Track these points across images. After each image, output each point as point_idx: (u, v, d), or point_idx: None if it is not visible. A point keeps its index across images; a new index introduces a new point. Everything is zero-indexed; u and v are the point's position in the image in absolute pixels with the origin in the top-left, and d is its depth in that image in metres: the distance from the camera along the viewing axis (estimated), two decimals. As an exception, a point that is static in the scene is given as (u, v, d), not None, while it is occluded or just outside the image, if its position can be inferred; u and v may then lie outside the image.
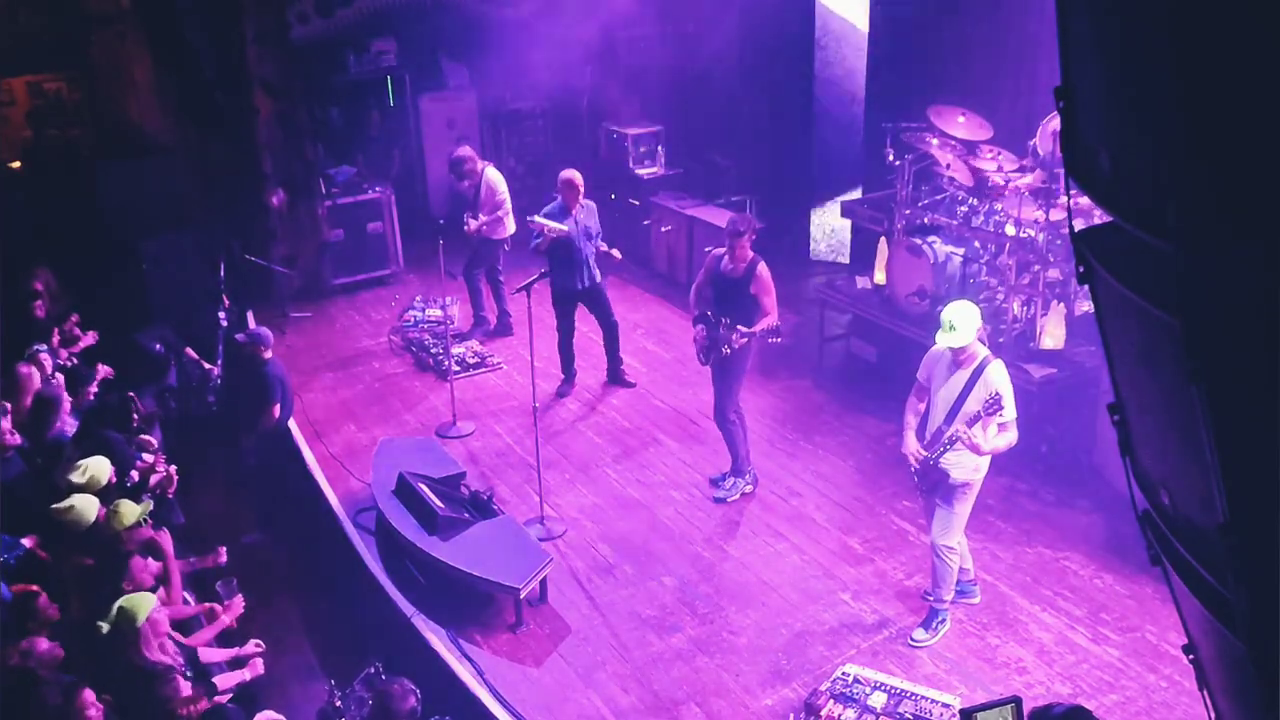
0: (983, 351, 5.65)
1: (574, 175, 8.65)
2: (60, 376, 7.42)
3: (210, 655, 5.40)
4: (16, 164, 11.18)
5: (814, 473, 7.72)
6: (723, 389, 7.28)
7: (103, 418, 6.88)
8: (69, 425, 6.91)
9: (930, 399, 5.82)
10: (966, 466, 5.69)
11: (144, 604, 4.95)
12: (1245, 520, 1.98)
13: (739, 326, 6.93)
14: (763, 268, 7.02)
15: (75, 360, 8.05)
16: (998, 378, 5.56)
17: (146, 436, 7.14)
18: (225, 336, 9.09)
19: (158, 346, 8.68)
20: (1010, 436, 5.61)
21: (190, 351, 8.92)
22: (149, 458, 6.89)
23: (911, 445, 5.82)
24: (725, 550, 6.97)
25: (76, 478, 5.92)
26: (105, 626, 4.89)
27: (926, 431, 5.80)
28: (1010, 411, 5.56)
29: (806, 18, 10.23)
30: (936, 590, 6.04)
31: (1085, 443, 7.22)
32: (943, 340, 5.61)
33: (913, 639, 6.02)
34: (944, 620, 6.05)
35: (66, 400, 7.00)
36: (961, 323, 5.56)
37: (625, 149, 11.64)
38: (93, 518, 5.68)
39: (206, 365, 8.85)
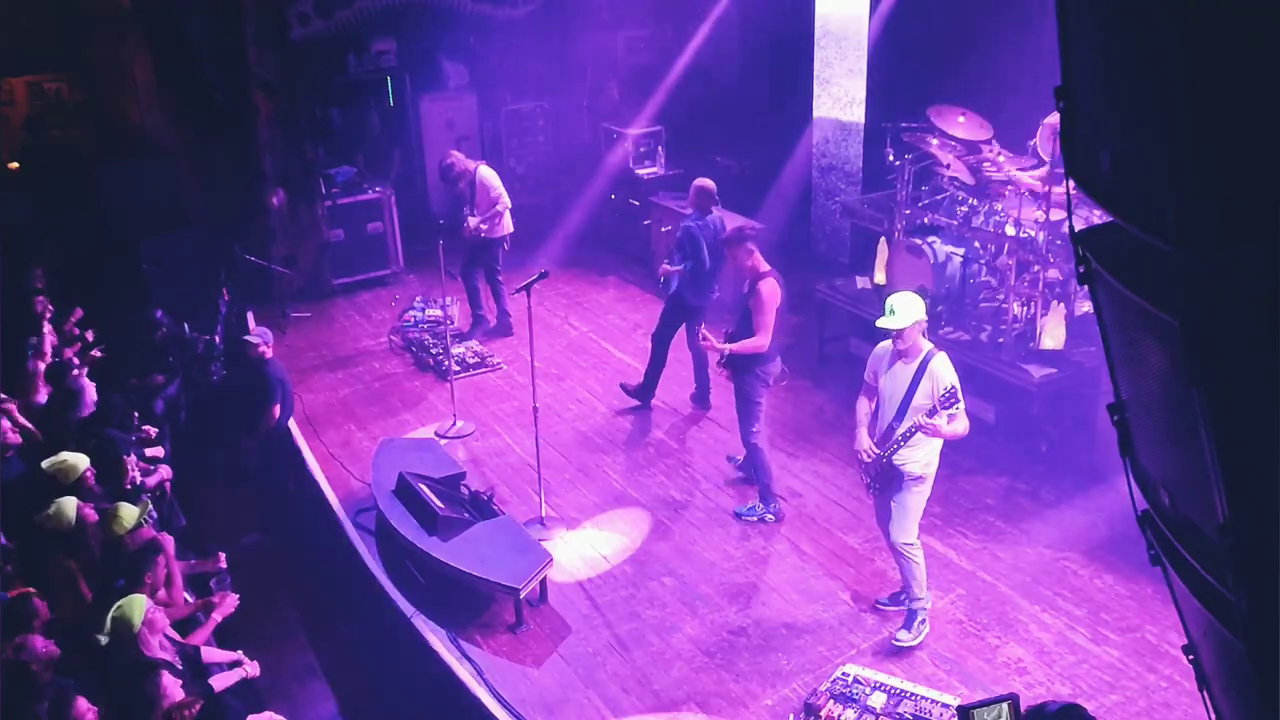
0: (926, 345, 5.67)
1: (701, 181, 8.43)
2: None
3: (213, 655, 5.40)
4: (15, 165, 11.17)
5: (814, 473, 7.72)
6: (738, 412, 7.21)
7: (104, 417, 6.89)
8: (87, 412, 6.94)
9: (879, 396, 5.84)
10: (920, 461, 5.71)
11: (137, 608, 4.93)
12: (1245, 520, 1.98)
13: (706, 332, 6.90)
14: (764, 285, 6.82)
15: (77, 360, 8.06)
16: (944, 371, 5.58)
17: (149, 428, 7.15)
18: (225, 317, 9.14)
19: (158, 313, 8.71)
20: (960, 425, 5.61)
21: (187, 327, 8.97)
22: (153, 452, 6.91)
23: (864, 443, 5.82)
24: (725, 550, 6.97)
25: (48, 466, 5.94)
26: (104, 639, 4.87)
27: (877, 429, 5.81)
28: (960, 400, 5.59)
29: (806, 18, 10.23)
30: (909, 589, 6.00)
31: (1085, 443, 7.22)
32: (881, 322, 5.68)
33: (896, 640, 5.98)
34: (924, 621, 6.02)
35: (90, 393, 7.01)
36: (901, 307, 5.60)
37: (625, 149, 11.64)
38: (74, 516, 5.68)
39: (206, 336, 8.89)
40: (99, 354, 7.94)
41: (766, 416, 7.27)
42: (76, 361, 8.01)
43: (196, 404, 8.59)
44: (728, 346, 6.87)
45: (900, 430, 5.64)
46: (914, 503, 5.82)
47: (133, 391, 8.15)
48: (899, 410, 5.67)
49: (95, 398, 7.03)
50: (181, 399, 8.53)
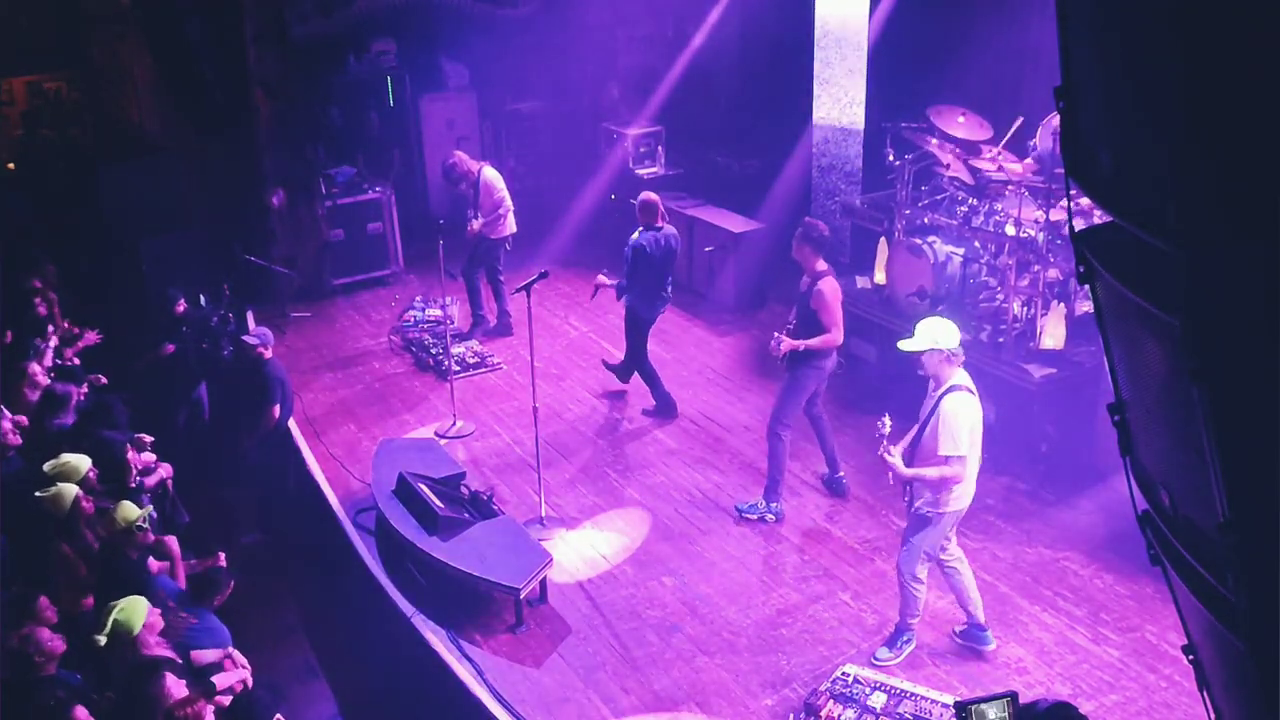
0: (951, 379, 5.48)
1: (645, 196, 8.51)
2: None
3: (202, 657, 5.39)
4: (11, 165, 11.18)
5: (814, 473, 7.72)
6: (777, 399, 7.19)
7: (98, 418, 6.87)
8: (72, 419, 6.93)
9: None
10: (926, 497, 5.61)
11: (139, 613, 4.93)
12: (1245, 520, 1.99)
13: (781, 335, 6.86)
14: (825, 284, 6.79)
15: (78, 360, 8.06)
16: (950, 412, 5.40)
17: (144, 436, 7.14)
18: (227, 304, 9.22)
19: (170, 292, 8.77)
20: (946, 470, 5.41)
21: (203, 299, 9.05)
22: (148, 457, 6.89)
23: (893, 454, 5.57)
24: (725, 550, 6.97)
25: (50, 468, 5.95)
26: (102, 640, 4.87)
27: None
28: (949, 447, 5.38)
29: (806, 18, 10.23)
30: (901, 613, 5.93)
31: (1085, 443, 7.22)
32: (900, 343, 5.62)
33: (875, 658, 5.91)
34: (909, 640, 5.95)
35: (74, 398, 7.01)
36: (920, 330, 5.52)
37: (625, 149, 11.64)
38: (69, 503, 5.69)
39: (220, 311, 8.97)
40: (103, 380, 7.91)
41: (766, 416, 7.25)
42: (78, 362, 8.01)
43: (215, 401, 8.64)
44: (802, 344, 6.83)
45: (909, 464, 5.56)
46: (915, 539, 5.69)
47: (133, 377, 8.18)
48: (914, 438, 5.62)
49: (75, 403, 7.02)
50: (204, 399, 8.56)
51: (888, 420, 5.56)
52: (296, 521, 7.73)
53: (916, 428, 5.65)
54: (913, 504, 5.68)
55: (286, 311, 10.54)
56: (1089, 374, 7.29)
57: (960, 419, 5.42)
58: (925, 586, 5.84)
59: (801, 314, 6.97)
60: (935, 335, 5.49)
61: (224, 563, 6.27)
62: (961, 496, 5.58)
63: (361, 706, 6.25)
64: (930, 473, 5.47)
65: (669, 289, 8.54)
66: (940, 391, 5.49)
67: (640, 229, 8.36)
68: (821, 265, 6.90)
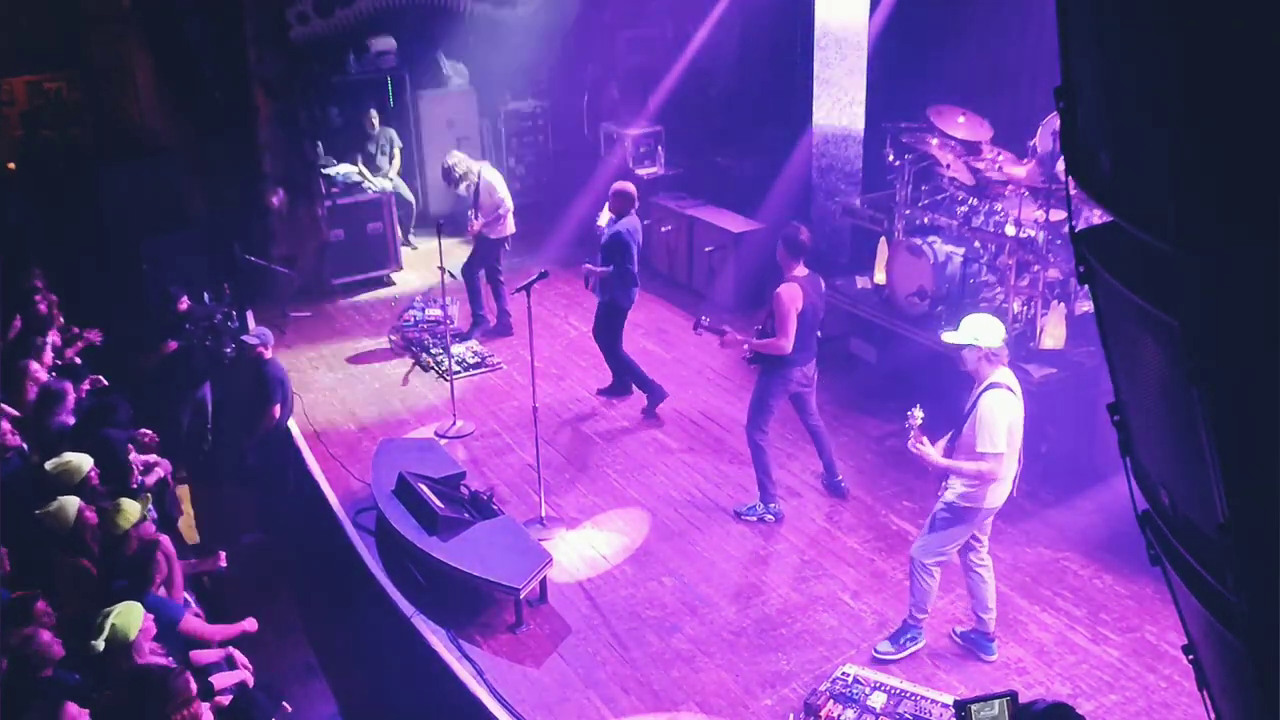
0: (990, 377, 5.47)
1: (623, 185, 8.55)
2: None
3: (202, 657, 5.39)
4: (11, 165, 11.16)
5: (813, 473, 7.72)
6: (750, 407, 7.19)
7: (101, 416, 6.88)
8: (70, 419, 6.93)
9: None
10: (955, 488, 5.59)
11: (134, 619, 4.92)
12: (1245, 520, 1.98)
13: (725, 327, 6.96)
14: (783, 288, 6.74)
15: (79, 360, 8.06)
16: (986, 410, 5.40)
17: (145, 431, 7.15)
18: (230, 303, 9.27)
19: (173, 288, 8.77)
20: (982, 466, 5.42)
21: (207, 296, 9.07)
22: (148, 457, 6.89)
23: (924, 444, 5.53)
24: (725, 550, 6.97)
25: (51, 467, 5.93)
26: (100, 645, 4.86)
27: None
28: (986, 444, 5.38)
29: (806, 19, 10.24)
30: (910, 605, 5.92)
31: (1085, 443, 7.22)
32: (943, 333, 5.61)
33: (876, 650, 5.91)
34: (914, 637, 5.93)
35: (71, 394, 7.01)
36: (965, 323, 5.54)
37: (625, 149, 11.64)
38: (73, 516, 5.67)
39: (223, 308, 8.98)
40: (104, 381, 7.90)
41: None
42: (79, 362, 8.01)
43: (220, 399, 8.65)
44: (746, 342, 6.85)
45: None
46: (945, 533, 5.67)
47: (136, 377, 8.17)
48: (954, 433, 5.61)
49: (72, 402, 7.01)
50: (208, 398, 8.56)
51: (919, 412, 5.52)
52: (296, 521, 7.73)
53: (958, 426, 5.65)
54: (944, 496, 5.66)
55: (286, 311, 10.54)
56: (1089, 374, 7.29)
57: (998, 416, 5.41)
58: (936, 582, 5.83)
59: (766, 315, 6.98)
60: (977, 331, 5.50)
61: (224, 562, 6.27)
62: (996, 494, 5.57)
63: (361, 706, 6.25)
64: (966, 466, 5.48)
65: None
66: (980, 389, 5.49)
67: (612, 218, 8.41)
68: (798, 271, 6.83)
